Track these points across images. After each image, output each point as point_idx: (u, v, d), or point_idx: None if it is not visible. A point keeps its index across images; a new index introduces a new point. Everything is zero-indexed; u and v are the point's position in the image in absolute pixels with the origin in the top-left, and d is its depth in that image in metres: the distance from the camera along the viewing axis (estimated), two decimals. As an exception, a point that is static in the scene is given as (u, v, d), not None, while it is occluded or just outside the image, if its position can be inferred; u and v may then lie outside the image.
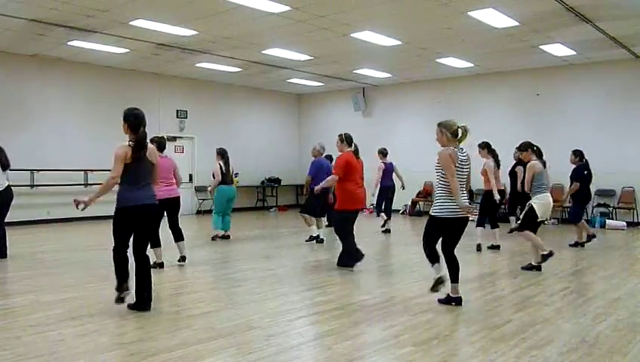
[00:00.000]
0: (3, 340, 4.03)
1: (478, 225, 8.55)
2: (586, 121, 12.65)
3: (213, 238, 9.52)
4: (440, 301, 5.18)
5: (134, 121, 4.75)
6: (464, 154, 4.96)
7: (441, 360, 3.66)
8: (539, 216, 6.76)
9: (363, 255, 6.94)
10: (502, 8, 8.45)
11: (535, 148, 7.16)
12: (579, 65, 12.66)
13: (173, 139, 14.73)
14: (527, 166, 7.00)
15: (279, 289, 5.83)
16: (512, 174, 9.84)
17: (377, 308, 5.00)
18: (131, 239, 4.84)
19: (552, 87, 13.18)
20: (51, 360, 3.63)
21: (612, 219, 12.09)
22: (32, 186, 11.81)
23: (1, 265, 7.20)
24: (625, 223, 11.73)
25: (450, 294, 5.13)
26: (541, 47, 10.95)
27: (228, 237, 9.73)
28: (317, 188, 7.46)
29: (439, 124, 5.02)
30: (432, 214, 4.98)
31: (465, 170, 4.96)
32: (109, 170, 4.72)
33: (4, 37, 10.29)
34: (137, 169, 4.71)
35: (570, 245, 8.91)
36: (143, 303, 4.84)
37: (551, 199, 6.94)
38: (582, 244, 8.87)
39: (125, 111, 4.83)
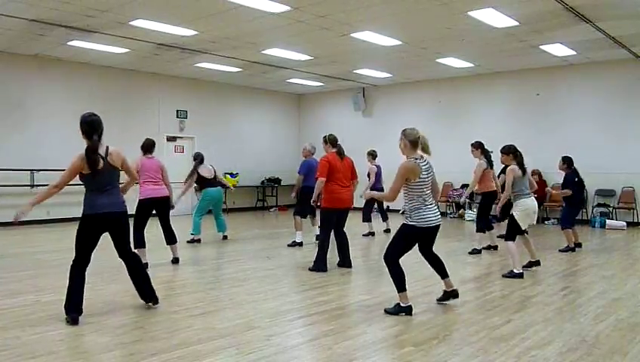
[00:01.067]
0: (3, 340, 4.03)
1: (478, 230, 8.47)
2: (586, 121, 12.65)
3: (189, 241, 9.17)
4: (438, 300, 5.18)
5: (87, 128, 4.57)
6: (425, 163, 4.74)
7: (441, 360, 3.66)
8: (522, 226, 6.61)
9: (326, 269, 6.82)
10: (502, 8, 8.45)
11: (518, 153, 6.84)
12: (579, 65, 12.65)
13: (173, 139, 14.75)
14: (508, 170, 6.76)
15: (279, 289, 5.83)
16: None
17: (377, 308, 4.99)
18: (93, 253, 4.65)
19: (552, 87, 13.17)
20: (51, 360, 3.63)
21: (612, 219, 12.09)
22: (32, 186, 11.81)
23: (1, 265, 7.19)
24: (625, 223, 11.72)
25: (446, 289, 5.14)
26: (541, 47, 10.95)
27: (225, 237, 9.72)
28: (314, 198, 7.35)
29: (403, 131, 4.81)
30: (411, 224, 4.71)
31: (429, 178, 4.77)
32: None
33: (4, 37, 10.29)
34: (95, 177, 4.55)
35: (560, 250, 8.51)
36: (148, 298, 4.87)
37: (534, 203, 6.71)
38: (578, 245, 8.71)
39: (81, 116, 4.65)
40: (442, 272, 5.09)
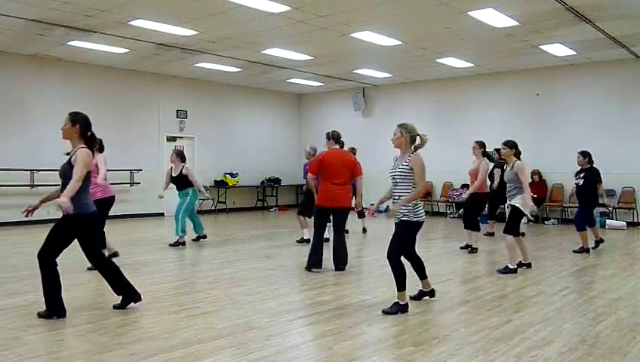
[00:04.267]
0: (3, 340, 4.03)
1: (473, 229, 8.46)
2: (586, 120, 12.64)
3: (173, 244, 8.84)
4: (412, 297, 5.18)
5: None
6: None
7: (441, 360, 3.66)
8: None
9: (320, 265, 6.77)
10: (502, 8, 8.45)
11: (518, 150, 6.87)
12: (579, 65, 12.65)
13: (173, 139, 14.73)
14: (522, 165, 6.69)
15: (279, 289, 5.83)
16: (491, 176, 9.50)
17: (377, 308, 4.99)
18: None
19: (552, 87, 13.17)
20: (51, 360, 3.63)
21: (612, 219, 12.08)
22: (32, 186, 11.80)
23: (1, 265, 7.19)
24: (625, 223, 11.72)
25: (424, 289, 5.26)
26: (541, 47, 10.94)
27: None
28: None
29: (403, 125, 4.86)
30: (415, 220, 4.75)
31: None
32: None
33: (4, 37, 10.29)
34: None
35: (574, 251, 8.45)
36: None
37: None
38: (597, 242, 8.64)
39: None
40: (422, 273, 5.18)
